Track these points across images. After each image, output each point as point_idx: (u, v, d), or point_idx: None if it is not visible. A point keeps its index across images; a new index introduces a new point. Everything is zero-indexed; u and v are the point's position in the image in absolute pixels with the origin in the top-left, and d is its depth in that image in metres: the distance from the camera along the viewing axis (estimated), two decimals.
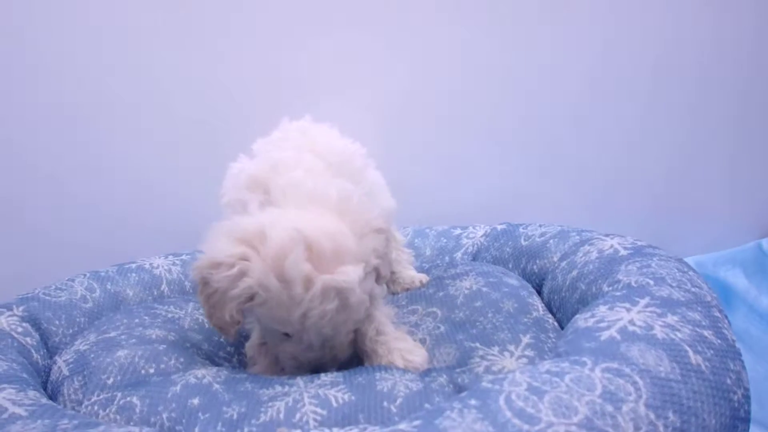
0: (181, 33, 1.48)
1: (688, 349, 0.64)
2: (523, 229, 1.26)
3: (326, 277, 0.71)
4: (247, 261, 0.73)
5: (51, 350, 0.95)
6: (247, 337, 0.97)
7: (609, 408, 0.54)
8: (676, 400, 0.57)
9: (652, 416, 0.54)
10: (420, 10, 1.54)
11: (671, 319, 0.69)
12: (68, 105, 1.49)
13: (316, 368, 0.80)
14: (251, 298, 0.74)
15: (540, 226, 1.24)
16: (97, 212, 1.56)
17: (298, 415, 0.66)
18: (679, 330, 0.67)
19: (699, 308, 0.73)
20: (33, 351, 0.90)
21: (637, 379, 0.58)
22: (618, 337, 0.66)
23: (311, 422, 0.65)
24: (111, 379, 0.75)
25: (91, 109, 1.50)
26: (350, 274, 0.72)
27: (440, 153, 1.65)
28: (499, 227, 1.34)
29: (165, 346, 0.84)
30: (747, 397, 0.65)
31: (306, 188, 0.82)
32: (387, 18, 1.54)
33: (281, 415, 0.66)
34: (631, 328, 0.67)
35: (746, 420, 0.64)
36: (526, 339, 0.86)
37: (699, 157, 1.73)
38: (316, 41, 1.54)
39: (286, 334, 0.78)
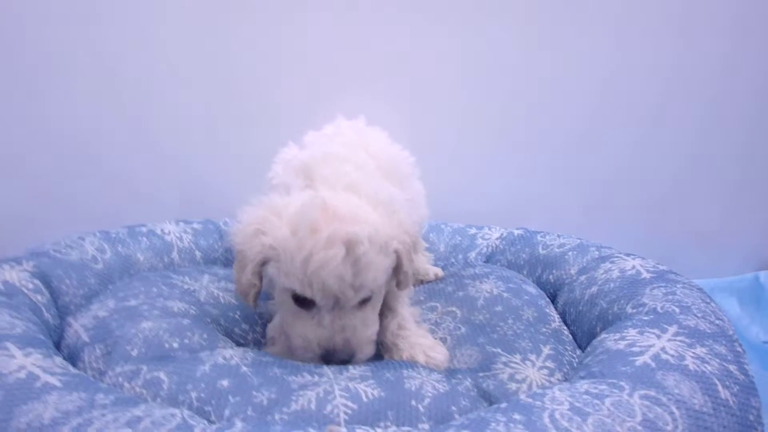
0: (207, 12, 1.46)
1: (717, 383, 0.65)
2: (541, 237, 1.27)
3: (334, 225, 0.72)
4: (266, 222, 0.76)
5: (61, 310, 0.93)
6: (264, 316, 0.97)
7: None
8: None
9: None
10: (437, 17, 1.54)
11: (700, 350, 0.70)
12: (88, 72, 1.47)
13: (326, 356, 0.77)
14: (267, 259, 0.76)
15: (558, 236, 1.25)
16: (109, 175, 1.54)
17: (329, 407, 0.66)
18: (708, 363, 0.68)
19: (724, 342, 0.74)
20: (44, 309, 0.88)
21: (674, 409, 0.59)
22: (653, 364, 0.67)
23: (342, 415, 0.65)
24: (135, 351, 0.74)
25: (110, 77, 1.48)
26: (359, 228, 0.73)
27: (456, 152, 1.65)
28: (516, 232, 1.35)
29: (188, 320, 0.83)
30: None
31: (348, 179, 0.83)
32: (408, 20, 1.54)
33: (312, 405, 0.66)
34: (664, 356, 0.68)
35: None
36: (546, 350, 0.87)
37: (705, 181, 1.74)
38: (340, 35, 1.53)
39: (298, 303, 0.77)
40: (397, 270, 0.84)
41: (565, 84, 1.61)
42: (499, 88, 1.61)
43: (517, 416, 0.56)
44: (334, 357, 0.77)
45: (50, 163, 1.50)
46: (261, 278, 0.80)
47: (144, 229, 1.23)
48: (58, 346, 0.85)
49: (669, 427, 0.57)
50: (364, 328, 0.81)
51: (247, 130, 1.55)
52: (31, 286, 0.91)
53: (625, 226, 1.72)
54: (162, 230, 1.26)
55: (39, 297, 0.90)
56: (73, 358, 0.78)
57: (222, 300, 1.00)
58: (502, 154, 1.67)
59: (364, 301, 0.80)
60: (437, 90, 1.60)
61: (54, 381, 0.59)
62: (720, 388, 0.65)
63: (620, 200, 1.72)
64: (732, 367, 0.70)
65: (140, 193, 1.56)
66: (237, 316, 0.98)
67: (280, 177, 0.92)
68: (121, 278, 1.06)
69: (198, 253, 1.27)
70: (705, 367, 0.67)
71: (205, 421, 0.53)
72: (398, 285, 0.86)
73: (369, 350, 0.82)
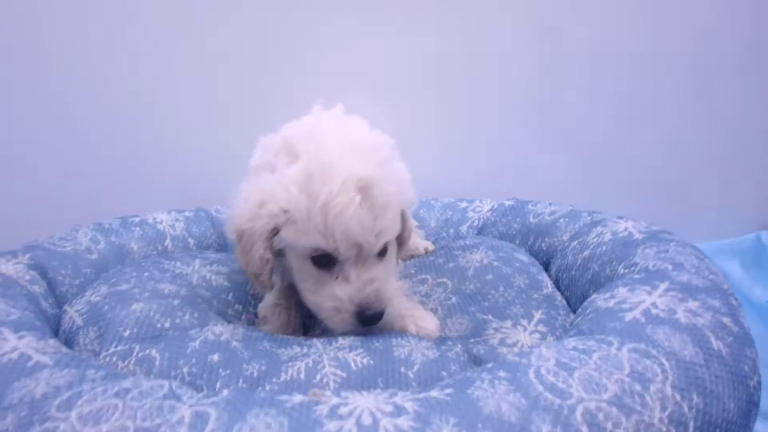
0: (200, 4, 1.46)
1: (710, 334, 0.65)
2: (532, 206, 1.26)
3: (345, 173, 0.72)
4: (269, 191, 0.75)
5: (59, 299, 0.93)
6: (257, 296, 0.97)
7: (637, 387, 0.55)
8: (700, 383, 0.58)
9: (677, 397, 0.55)
10: None
11: (692, 304, 0.70)
12: (81, 57, 1.45)
13: (361, 314, 0.75)
14: (278, 226, 0.75)
15: (549, 204, 1.24)
16: (100, 165, 1.53)
17: (318, 376, 0.66)
18: (701, 316, 0.67)
19: (718, 295, 0.74)
20: (41, 299, 0.88)
21: (664, 361, 0.59)
22: (642, 319, 0.66)
23: (331, 384, 0.65)
24: (127, 332, 0.74)
25: (105, 64, 1.47)
26: (370, 171, 0.73)
27: (444, 131, 1.63)
28: (507, 203, 1.34)
29: (179, 301, 0.83)
30: (760, 383, 0.66)
31: (335, 156, 0.78)
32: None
33: (302, 375, 0.66)
34: (654, 311, 0.68)
35: (758, 405, 0.65)
36: (538, 315, 0.86)
37: (702, 144, 1.73)
38: (330, 20, 1.52)
39: (318, 265, 0.76)
40: (401, 225, 0.84)
41: (553, 56, 1.60)
42: (493, 66, 1.60)
43: (502, 373, 0.56)
44: (368, 312, 0.75)
45: (40, 159, 1.49)
46: (272, 252, 0.78)
47: (136, 219, 1.23)
48: (57, 334, 0.85)
49: (658, 378, 0.57)
50: (390, 280, 0.80)
51: (237, 120, 1.54)
52: (27, 277, 0.91)
53: (621, 194, 1.70)
54: (154, 219, 1.25)
55: (36, 287, 0.90)
56: (69, 343, 0.78)
57: (214, 282, 0.99)
58: (491, 129, 1.66)
59: (382, 255, 0.79)
60: (422, 70, 1.58)
61: (46, 359, 0.59)
62: (713, 339, 0.64)
63: (616, 167, 1.71)
64: (726, 320, 0.69)
65: (132, 185, 1.55)
66: (229, 298, 0.98)
67: (261, 156, 0.90)
68: (115, 267, 1.06)
69: (191, 241, 1.27)
70: (697, 320, 0.66)
71: (193, 391, 0.53)
72: (400, 245, 0.85)
73: (398, 303, 0.81)
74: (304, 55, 1.52)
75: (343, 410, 0.49)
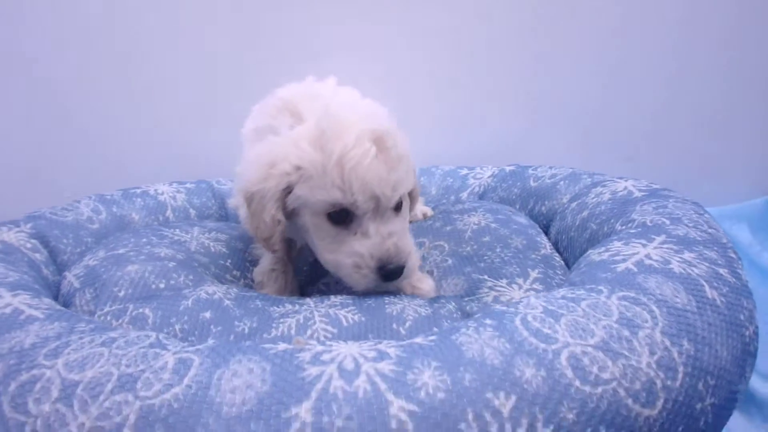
0: None
1: (704, 284, 0.64)
2: (532, 170, 1.25)
3: (358, 126, 0.72)
4: (279, 150, 0.74)
5: (60, 267, 0.94)
6: (253, 262, 0.97)
7: (625, 333, 0.54)
8: (691, 330, 0.57)
9: (667, 343, 0.54)
10: None
11: (688, 255, 0.69)
12: (82, 40, 1.45)
13: (382, 268, 0.74)
14: (290, 185, 0.74)
15: (550, 167, 1.22)
16: (102, 140, 1.54)
17: (309, 332, 0.66)
18: (695, 266, 0.66)
19: (715, 248, 0.73)
20: (42, 266, 0.90)
21: (654, 308, 0.58)
22: (635, 269, 0.65)
23: (322, 338, 0.66)
24: (122, 292, 0.75)
25: (102, 43, 1.47)
26: (383, 122, 0.73)
27: (447, 97, 1.62)
28: (507, 168, 1.33)
29: (174, 263, 0.84)
30: (757, 334, 0.65)
31: (344, 114, 0.77)
32: None
33: (292, 331, 0.66)
34: (647, 261, 0.67)
35: (754, 355, 0.64)
36: (534, 273, 0.86)
37: (705, 109, 1.70)
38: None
39: (335, 222, 0.75)
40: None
41: (552, 26, 1.58)
42: (494, 38, 1.58)
43: (488, 321, 0.55)
44: (390, 267, 0.74)
45: (42, 132, 1.50)
46: (285, 213, 0.77)
47: (138, 191, 1.24)
48: (56, 299, 0.87)
49: (647, 324, 0.56)
50: (407, 234, 0.80)
51: (236, 92, 1.53)
52: (29, 245, 0.92)
53: (619, 162, 1.68)
54: (155, 191, 1.26)
55: (38, 255, 0.92)
56: (67, 305, 0.79)
57: (212, 249, 1.00)
58: (491, 98, 1.64)
59: (397, 210, 0.79)
60: (433, 41, 1.57)
61: (38, 314, 0.60)
62: (707, 288, 0.63)
63: (617, 133, 1.69)
64: (723, 271, 0.68)
65: (133, 158, 1.56)
66: (228, 264, 0.98)
67: (258, 119, 0.89)
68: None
69: (192, 211, 1.28)
70: (692, 270, 0.65)
71: (180, 342, 0.53)
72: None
73: (416, 258, 0.80)
74: (308, 22, 1.51)
75: (326, 356, 0.49)
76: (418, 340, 0.53)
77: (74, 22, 1.44)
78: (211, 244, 1.02)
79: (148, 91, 1.52)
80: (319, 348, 0.51)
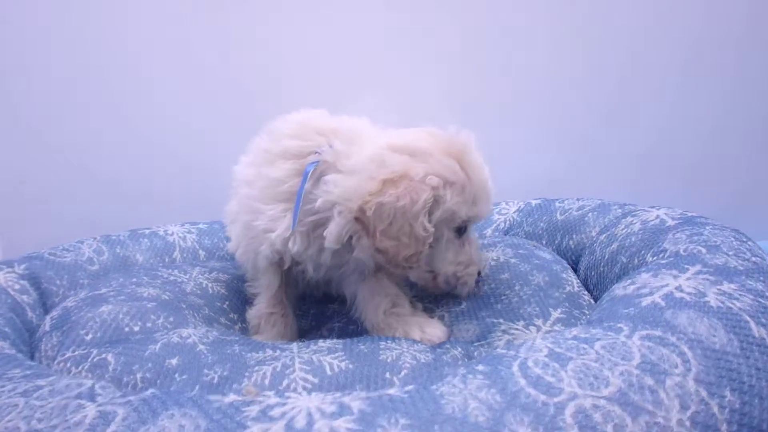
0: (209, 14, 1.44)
1: (749, 319, 0.53)
2: (559, 203, 1.15)
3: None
4: (402, 164, 0.71)
5: (48, 310, 0.89)
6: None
7: (649, 381, 0.44)
8: (735, 376, 0.46)
9: (703, 393, 0.44)
10: None
11: (728, 287, 0.58)
12: (89, 75, 1.45)
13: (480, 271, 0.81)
14: (438, 199, 0.71)
15: (578, 199, 1.12)
16: (116, 184, 1.52)
17: (285, 382, 0.58)
18: (737, 299, 0.56)
19: (762, 278, 0.62)
20: (28, 309, 0.85)
21: (685, 349, 0.48)
22: (662, 303, 0.55)
23: (300, 390, 0.57)
24: (90, 336, 0.68)
25: (112, 80, 1.45)
26: None
27: (472, 130, 1.55)
28: (533, 202, 1.23)
29: (155, 304, 0.77)
30: None
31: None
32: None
33: (266, 381, 0.58)
34: (678, 294, 0.56)
35: None
36: (556, 313, 0.76)
37: (748, 138, 1.60)
38: (347, 24, 1.47)
39: (460, 232, 0.77)
40: None
41: (589, 61, 1.52)
42: (521, 68, 1.52)
43: (480, 367, 0.46)
44: (483, 269, 0.83)
45: (57, 172, 1.49)
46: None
47: (147, 231, 1.20)
48: None
49: (677, 370, 0.46)
50: None
51: (252, 130, 1.51)
52: (17, 286, 0.88)
53: (660, 193, 1.57)
54: (165, 231, 1.22)
55: (25, 297, 0.87)
56: (34, 350, 0.73)
57: (210, 290, 0.94)
58: (516, 130, 1.57)
59: None
60: (458, 70, 1.52)
61: None
62: (753, 325, 0.52)
63: (657, 167, 1.59)
64: None
65: (148, 198, 1.53)
66: (225, 306, 0.92)
67: (272, 145, 0.81)
68: None
69: (202, 253, 1.22)
70: (732, 303, 0.55)
71: (117, 390, 0.46)
72: None
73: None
74: (327, 68, 1.48)
75: (276, 411, 0.41)
76: (392, 391, 0.44)
77: (83, 58, 1.44)
78: (210, 284, 0.96)
79: (162, 129, 1.50)
80: (273, 400, 0.43)
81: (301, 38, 1.48)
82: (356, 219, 0.69)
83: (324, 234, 0.73)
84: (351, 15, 1.47)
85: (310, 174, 0.74)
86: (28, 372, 0.50)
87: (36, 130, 1.46)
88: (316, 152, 0.76)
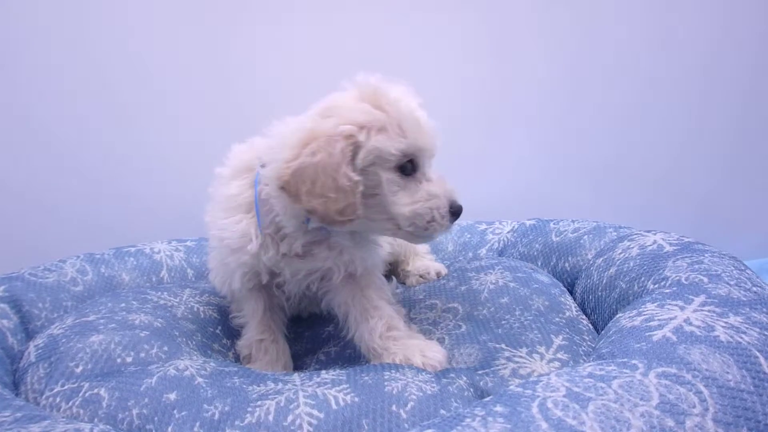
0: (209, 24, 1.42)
1: (758, 354, 0.53)
2: (554, 224, 1.15)
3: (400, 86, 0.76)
4: (314, 124, 0.71)
5: (30, 335, 0.86)
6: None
7: (669, 422, 0.43)
8: (751, 415, 0.46)
9: None
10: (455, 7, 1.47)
11: (734, 319, 0.58)
12: (79, 89, 1.41)
13: (453, 204, 0.77)
14: (358, 145, 0.70)
15: (573, 221, 1.13)
16: (103, 197, 1.48)
17: (290, 418, 0.56)
18: (745, 333, 0.56)
19: (764, 309, 0.62)
20: (9, 334, 0.81)
21: (702, 388, 0.47)
22: (674, 337, 0.55)
23: (305, 426, 0.55)
24: (80, 368, 0.66)
25: (102, 95, 1.42)
26: None
27: (466, 147, 1.55)
28: (527, 222, 1.23)
29: (148, 332, 0.75)
30: None
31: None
32: (418, 13, 1.47)
33: (270, 417, 0.56)
34: (688, 328, 0.56)
35: None
36: (558, 340, 0.75)
37: (748, 157, 1.62)
38: (342, 37, 1.47)
39: (406, 171, 0.75)
40: None
41: (574, 74, 1.53)
42: (515, 86, 1.54)
43: (498, 408, 0.45)
44: (457, 203, 0.77)
45: (45, 184, 1.45)
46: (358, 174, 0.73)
47: (132, 249, 1.17)
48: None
49: (696, 410, 0.45)
50: None
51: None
52: None
53: (653, 212, 1.59)
54: (151, 249, 1.19)
55: (5, 322, 0.84)
56: (18, 382, 0.70)
57: (202, 314, 0.91)
58: (516, 151, 1.58)
59: None
60: (449, 87, 1.51)
61: None
62: (762, 360, 0.52)
63: (658, 191, 1.62)
64: None
65: (136, 213, 1.49)
66: (217, 331, 0.89)
67: (268, 141, 0.78)
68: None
69: (190, 272, 1.20)
70: (741, 338, 0.55)
71: None
72: None
73: None
74: (322, 81, 1.46)
75: None
76: None
77: (73, 71, 1.40)
78: (201, 308, 0.93)
79: (154, 144, 1.47)
80: None
81: (304, 42, 1.46)
82: (282, 189, 0.69)
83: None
84: (352, 16, 1.46)
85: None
86: (19, 415, 0.47)
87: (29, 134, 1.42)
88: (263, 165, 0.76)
